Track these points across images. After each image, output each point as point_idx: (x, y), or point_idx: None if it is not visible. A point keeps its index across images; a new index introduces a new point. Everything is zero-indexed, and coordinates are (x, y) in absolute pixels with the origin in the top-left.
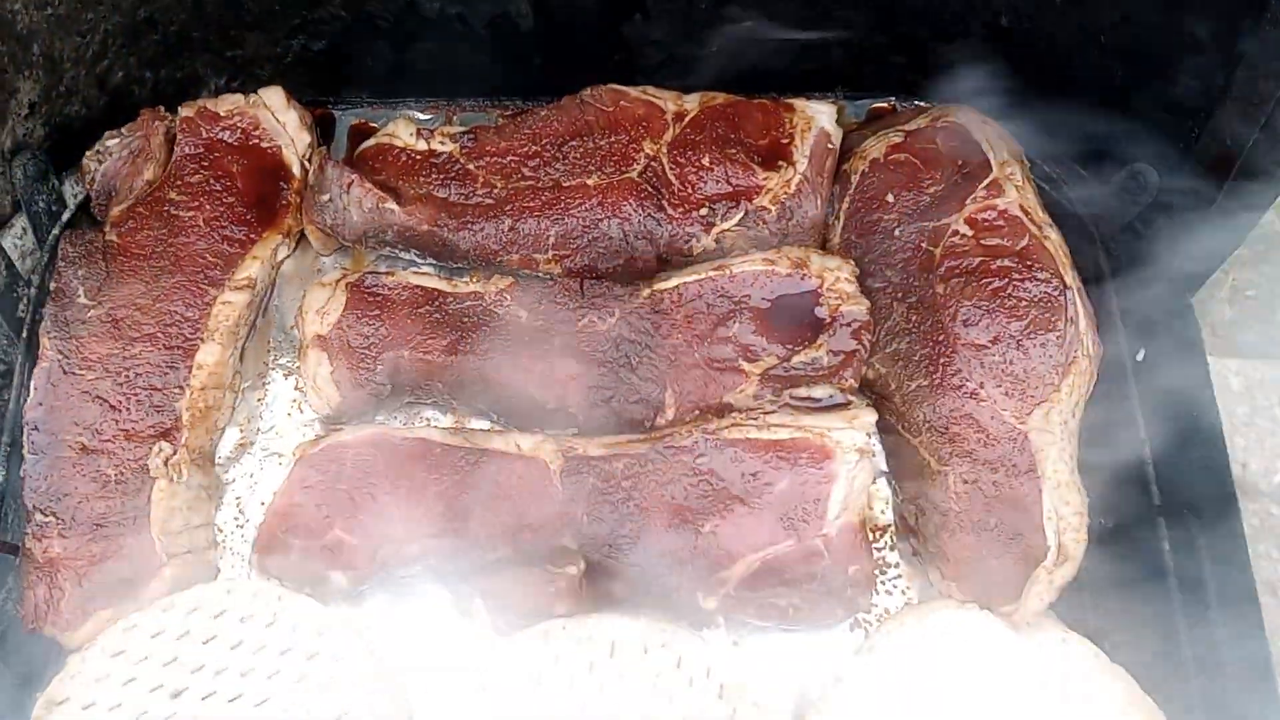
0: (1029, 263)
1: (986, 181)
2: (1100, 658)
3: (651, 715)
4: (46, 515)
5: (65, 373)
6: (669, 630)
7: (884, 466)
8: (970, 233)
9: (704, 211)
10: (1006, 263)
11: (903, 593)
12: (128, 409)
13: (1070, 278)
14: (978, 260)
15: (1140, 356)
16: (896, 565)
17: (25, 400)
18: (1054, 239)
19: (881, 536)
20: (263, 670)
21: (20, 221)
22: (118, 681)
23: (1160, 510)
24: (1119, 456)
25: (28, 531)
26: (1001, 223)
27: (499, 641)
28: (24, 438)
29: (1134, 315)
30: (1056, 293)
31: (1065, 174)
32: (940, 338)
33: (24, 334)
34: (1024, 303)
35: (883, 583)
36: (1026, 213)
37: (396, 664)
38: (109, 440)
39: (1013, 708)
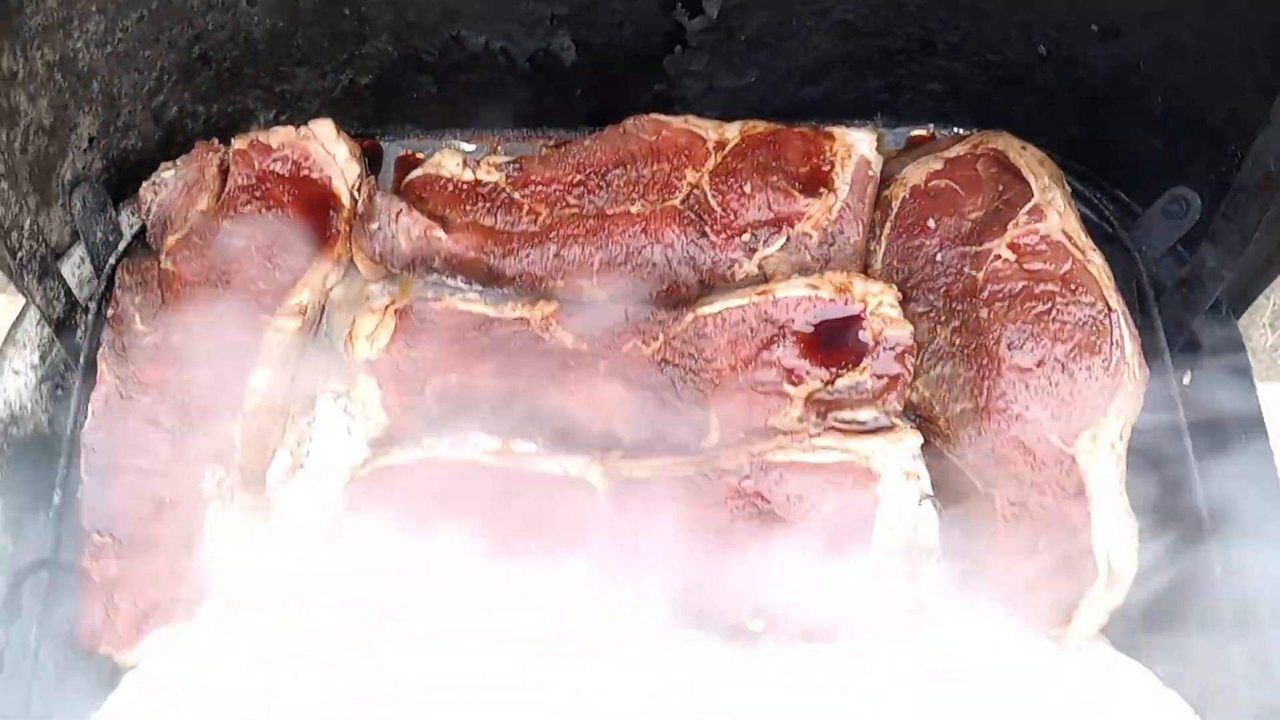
0: (1073, 286)
1: (1028, 206)
2: (1152, 682)
3: None
4: (103, 536)
5: (122, 397)
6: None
7: (928, 489)
8: (1013, 257)
9: (746, 238)
10: (1050, 287)
11: (949, 614)
12: (183, 433)
13: (1115, 301)
14: (1021, 284)
15: (1187, 380)
16: (942, 587)
17: (82, 424)
18: (1097, 263)
19: (927, 560)
20: None
21: (79, 251)
22: (170, 701)
23: (1210, 533)
24: (1168, 479)
25: (85, 552)
26: (1044, 247)
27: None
28: (81, 460)
29: (1179, 339)
30: (1101, 316)
31: (1106, 199)
32: (985, 361)
33: (81, 360)
34: (1069, 326)
35: (928, 605)
36: (1069, 237)
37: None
38: (164, 463)
39: None
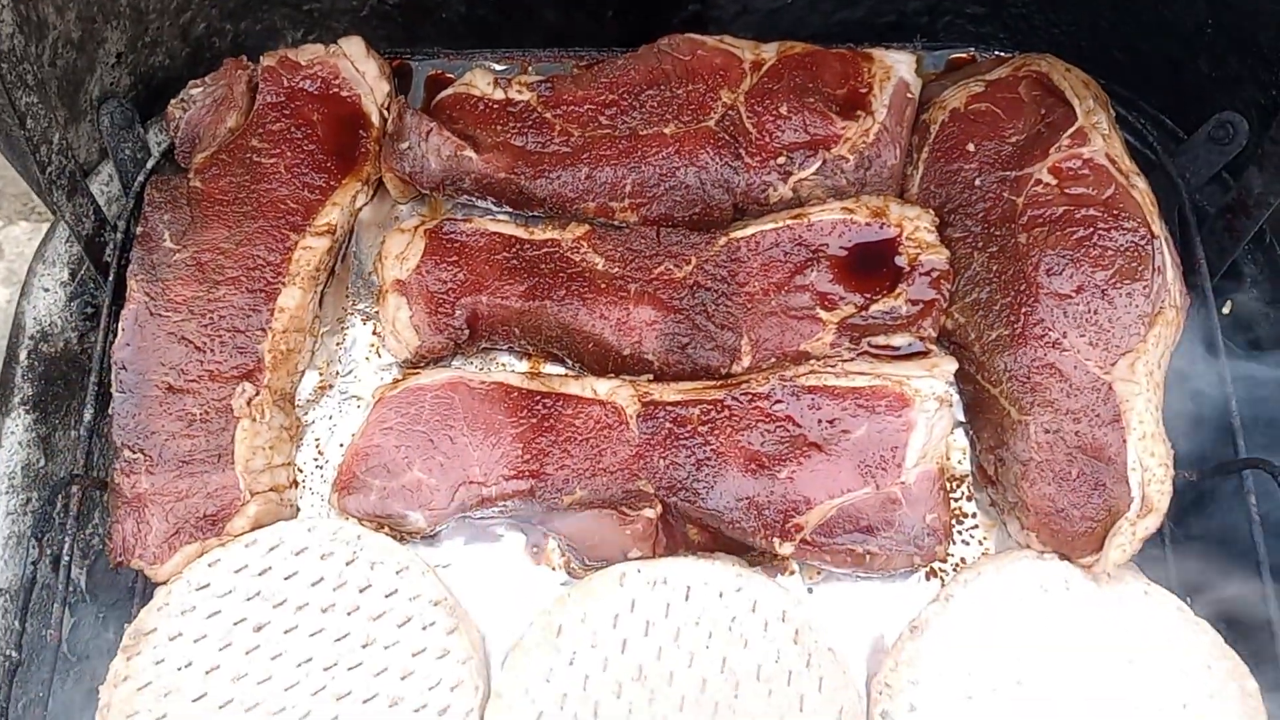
0: (1115, 212)
1: (1071, 130)
2: (1184, 611)
3: (727, 659)
4: (134, 452)
5: (152, 314)
6: (744, 574)
7: (961, 416)
8: (1054, 182)
9: (781, 160)
10: (1092, 212)
11: (980, 543)
12: (212, 350)
13: (1158, 227)
14: (1062, 209)
15: (1227, 309)
16: (973, 515)
17: (112, 341)
18: (1141, 188)
19: (959, 486)
20: (343, 606)
21: (107, 168)
22: (203, 614)
23: (1245, 463)
24: (1203, 409)
25: (115, 468)
26: (1087, 171)
27: (574, 584)
28: (112, 377)
29: (1220, 268)
30: (1144, 242)
31: (1149, 124)
32: (1022, 287)
33: (111, 277)
34: (1110, 252)
35: (959, 532)
36: (1113, 161)
37: (472, 605)
38: (194, 380)
39: (1094, 660)
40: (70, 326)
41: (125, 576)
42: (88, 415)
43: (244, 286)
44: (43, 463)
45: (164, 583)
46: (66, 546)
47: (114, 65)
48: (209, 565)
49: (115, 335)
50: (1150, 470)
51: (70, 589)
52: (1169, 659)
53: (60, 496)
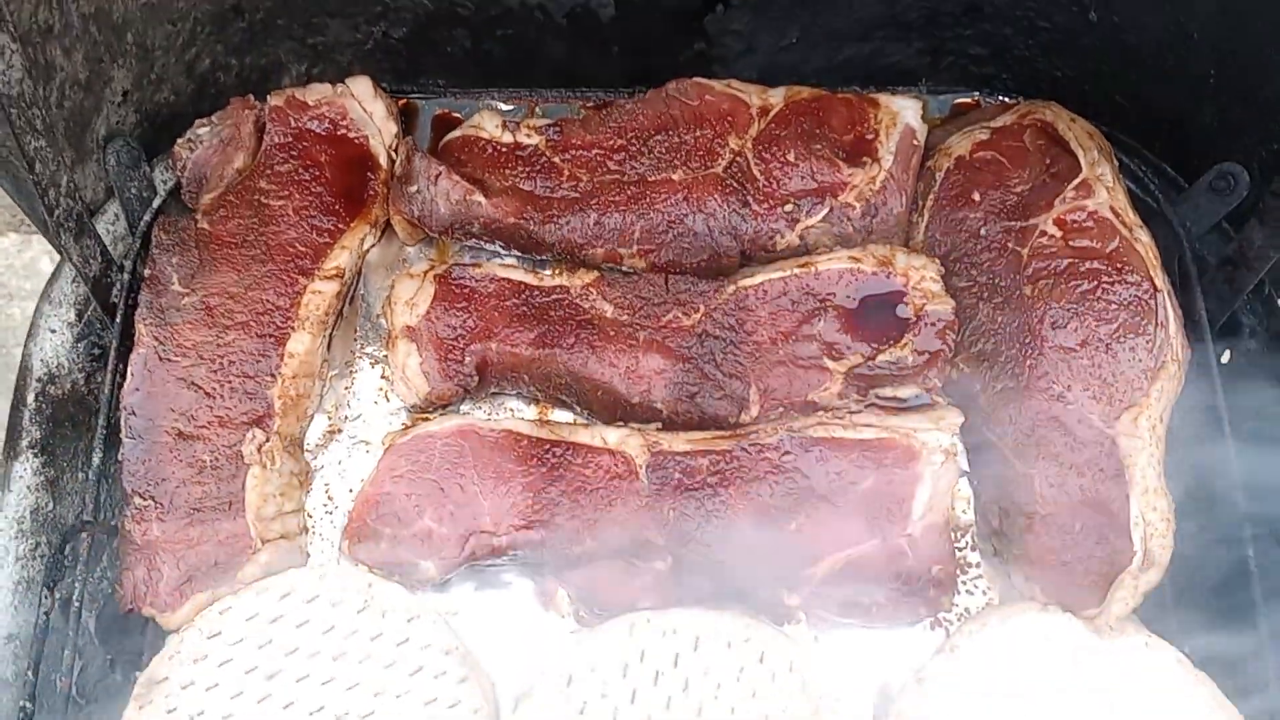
0: (1119, 265)
1: (1076, 182)
2: (1184, 663)
3: (735, 709)
4: (145, 499)
5: (161, 359)
6: (752, 625)
7: (966, 466)
8: (1059, 234)
9: (789, 208)
10: (1096, 265)
11: (984, 593)
12: (222, 396)
13: (1160, 281)
14: (1066, 262)
15: (1226, 359)
16: (977, 565)
17: (120, 384)
18: (1144, 241)
19: (963, 536)
20: (354, 654)
21: (113, 207)
22: (214, 662)
23: (1245, 516)
24: (1205, 461)
25: (126, 514)
26: (1091, 224)
27: (584, 634)
28: (122, 422)
29: (1220, 317)
30: (1147, 296)
31: (1151, 172)
32: (1027, 339)
33: (118, 318)
34: (1113, 306)
35: (963, 582)
36: (1117, 214)
37: (482, 654)
38: (204, 426)
39: (1094, 711)
40: (77, 368)
41: (134, 622)
42: (96, 459)
43: (253, 331)
44: (51, 506)
45: (175, 630)
46: (77, 593)
47: (120, 104)
48: (220, 613)
49: (123, 377)
50: (1153, 525)
51: (79, 634)
52: (1169, 711)
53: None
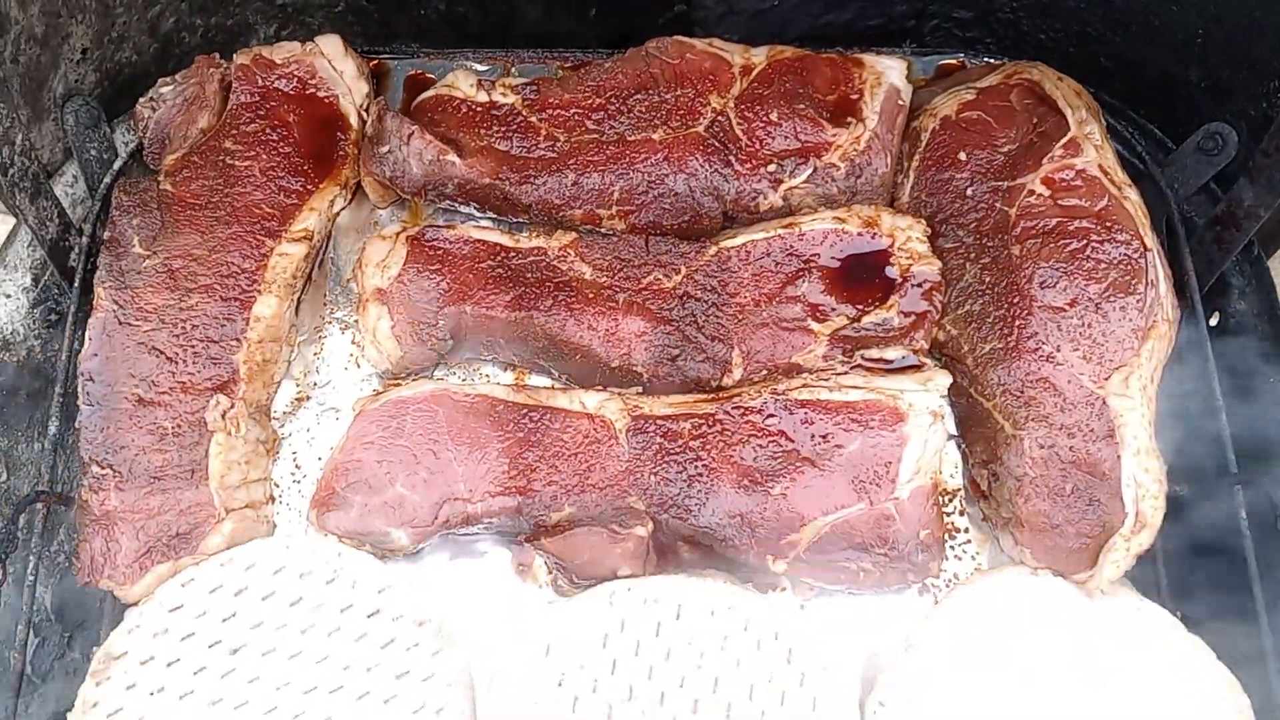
0: (1108, 224)
1: (1064, 140)
2: (1177, 627)
3: (719, 679)
4: (103, 468)
5: (121, 323)
6: (736, 592)
7: (954, 430)
8: (1047, 193)
9: (772, 168)
10: (1085, 224)
11: (972, 558)
12: (184, 361)
13: (1150, 240)
14: (1055, 221)
15: (1214, 320)
16: (966, 530)
17: (79, 350)
18: (1134, 199)
19: (951, 500)
20: (322, 627)
21: (71, 169)
22: (176, 636)
23: (1238, 478)
24: (1195, 423)
25: (83, 484)
26: (1080, 183)
27: (562, 604)
28: (79, 388)
29: (1208, 278)
30: (1137, 255)
31: (1138, 133)
32: (1015, 299)
33: (76, 283)
34: (1103, 265)
35: (952, 547)
36: (1105, 173)
37: (457, 625)
38: (166, 393)
39: (1087, 676)
40: (33, 334)
41: (93, 595)
42: (52, 428)
43: (218, 295)
44: (4, 477)
45: (135, 604)
46: (31, 566)
47: (79, 62)
48: (182, 585)
49: (81, 344)
50: (1144, 486)
51: (35, 609)
52: (1163, 675)
53: (24, 514)
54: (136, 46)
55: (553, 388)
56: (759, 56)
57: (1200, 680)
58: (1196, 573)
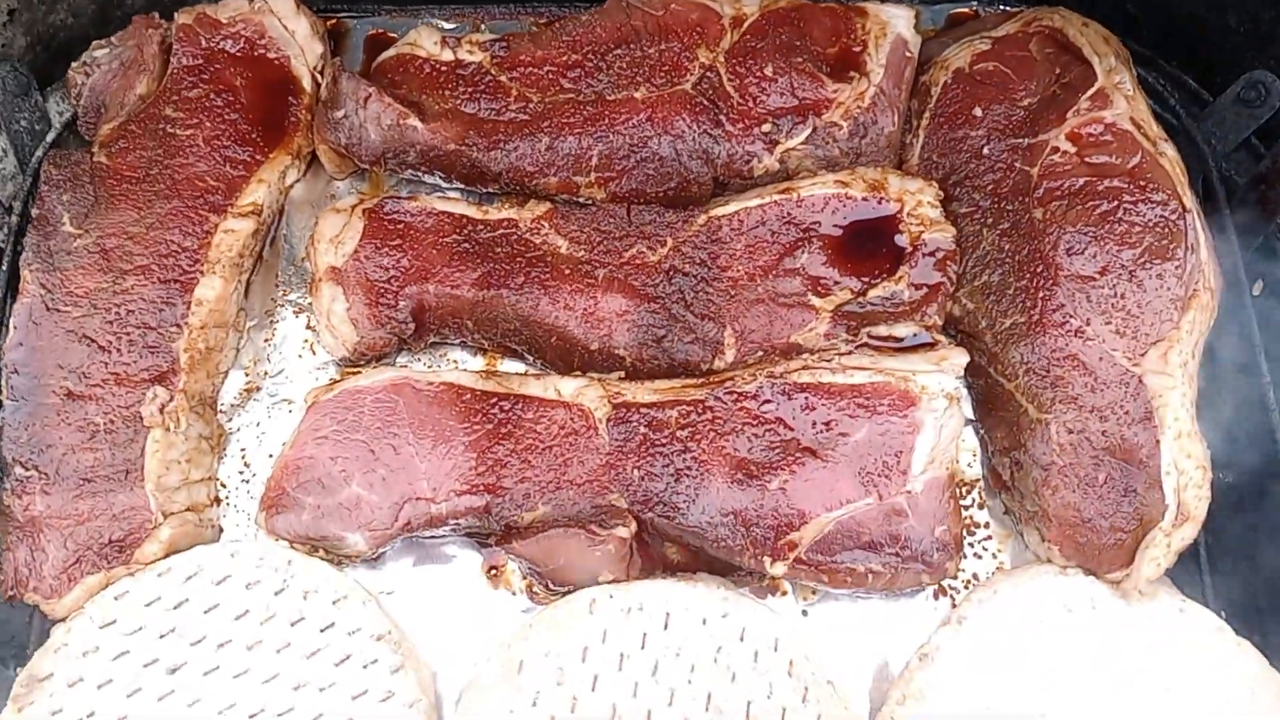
0: (1142, 183)
1: (1091, 91)
2: (1224, 631)
3: (712, 695)
4: (27, 469)
5: (49, 309)
6: (731, 598)
7: (971, 414)
8: (1073, 149)
9: (767, 128)
10: (1116, 183)
11: (993, 556)
12: (119, 350)
13: (1189, 200)
14: (1082, 181)
15: (1258, 289)
16: (986, 525)
17: (4, 340)
18: (1170, 155)
19: (969, 493)
20: (271, 643)
21: (0, 141)
22: (108, 655)
23: None
24: (1239, 402)
25: (5, 487)
26: (1110, 137)
27: (537, 613)
28: (2, 382)
29: (1251, 243)
30: (1175, 216)
31: (1171, 85)
32: (1039, 269)
33: (4, 266)
34: (1137, 228)
35: (970, 545)
36: (1138, 126)
37: (421, 638)
38: (98, 385)
39: (1123, 686)
40: None
41: (19, 611)
42: None
43: (156, 276)
44: None
45: (63, 619)
46: None
47: (6, 24)
48: (115, 598)
49: (7, 333)
50: (1186, 474)
51: None
52: (1208, 685)
53: None
54: (72, 7)
55: (526, 374)
56: (751, 6)
57: (1249, 689)
58: (1244, 570)
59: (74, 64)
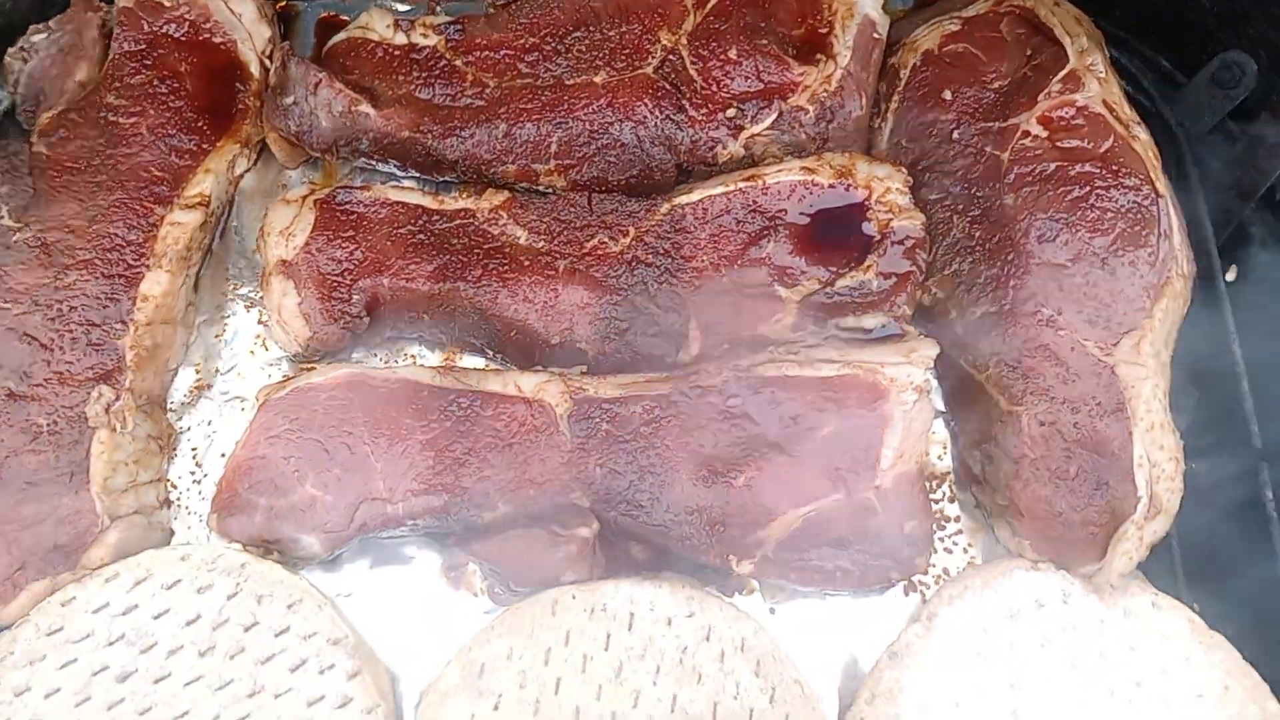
0: (1114, 167)
1: (1062, 74)
2: (1196, 624)
3: (678, 696)
4: None
5: None
6: (697, 597)
7: (941, 406)
8: (1044, 134)
9: (731, 113)
10: (1088, 168)
11: (964, 550)
12: (61, 348)
13: (1162, 184)
14: (1054, 165)
15: (1231, 276)
16: (956, 519)
17: None
18: (1143, 139)
19: (939, 486)
20: (224, 649)
21: None
22: (55, 664)
23: (1261, 454)
24: (1213, 392)
25: None
26: (1081, 121)
27: (498, 615)
28: None
29: (1225, 228)
30: (1148, 202)
31: (1144, 66)
32: (1010, 256)
33: None
34: (1109, 214)
35: (940, 539)
36: (1111, 109)
37: (380, 642)
38: (40, 384)
39: (1098, 683)
40: None
41: None
42: None
43: (99, 271)
44: None
45: (7, 628)
46: None
47: None
48: (62, 605)
49: None
50: (1159, 465)
51: None
52: (1182, 679)
53: None
54: None
55: (485, 369)
56: None
57: (1222, 682)
58: (1217, 562)
59: (10, 49)
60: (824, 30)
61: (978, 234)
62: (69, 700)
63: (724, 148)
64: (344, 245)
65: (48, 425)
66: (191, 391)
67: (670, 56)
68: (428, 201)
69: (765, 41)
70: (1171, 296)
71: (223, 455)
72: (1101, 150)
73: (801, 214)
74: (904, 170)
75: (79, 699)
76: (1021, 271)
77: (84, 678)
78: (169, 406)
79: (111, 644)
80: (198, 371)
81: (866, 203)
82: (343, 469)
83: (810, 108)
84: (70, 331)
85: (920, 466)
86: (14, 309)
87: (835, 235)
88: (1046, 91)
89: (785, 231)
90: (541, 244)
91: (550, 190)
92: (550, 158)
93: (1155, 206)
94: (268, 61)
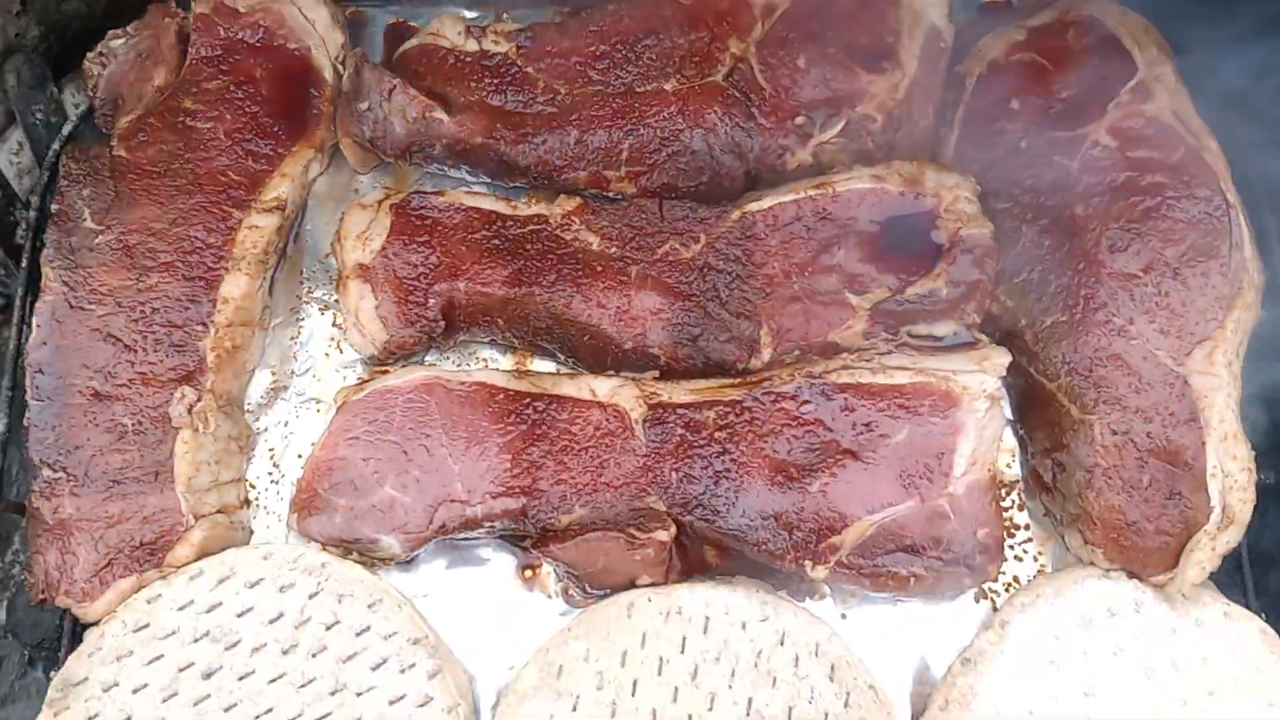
0: (1185, 178)
1: (1131, 84)
2: (1269, 634)
3: (753, 700)
4: (55, 471)
5: (72, 307)
6: (770, 602)
7: (1010, 414)
8: (1114, 144)
9: (800, 121)
10: (1159, 178)
11: (1034, 559)
12: (145, 349)
13: (1233, 195)
14: (1124, 176)
15: None
16: (1026, 527)
17: (27, 338)
18: (1213, 149)
19: (1009, 494)
20: (306, 647)
21: (16, 135)
22: (142, 659)
23: None
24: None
25: (34, 489)
26: (1151, 131)
27: (575, 617)
28: (27, 381)
29: None
30: (1219, 212)
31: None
32: (1080, 265)
33: (24, 263)
34: (1180, 224)
35: (1010, 547)
36: (1181, 119)
37: (455, 642)
38: (124, 385)
39: (1169, 692)
40: None
41: (50, 615)
42: (0, 426)
43: (180, 273)
44: None
45: (96, 623)
46: None
47: (19, 14)
48: (148, 602)
49: (30, 331)
50: (1232, 476)
51: None
52: (1253, 688)
53: None
54: None
55: (559, 373)
56: None
57: None
58: None
59: (89, 54)
60: (890, 39)
61: (1047, 243)
62: (156, 696)
63: (792, 155)
64: (420, 250)
65: (132, 425)
66: (268, 393)
67: (739, 64)
68: (501, 207)
69: (833, 50)
70: (1243, 307)
71: (300, 456)
72: (1172, 161)
73: (871, 221)
74: (972, 179)
75: (166, 694)
76: (1093, 280)
77: (170, 674)
78: (246, 408)
79: (196, 641)
80: (273, 374)
81: (936, 211)
82: (421, 471)
83: (878, 116)
84: (153, 333)
85: (992, 474)
86: (99, 310)
87: (905, 243)
88: (1115, 101)
89: (855, 239)
90: (614, 250)
91: (621, 196)
92: (621, 164)
93: (1226, 217)
94: (340, 67)
